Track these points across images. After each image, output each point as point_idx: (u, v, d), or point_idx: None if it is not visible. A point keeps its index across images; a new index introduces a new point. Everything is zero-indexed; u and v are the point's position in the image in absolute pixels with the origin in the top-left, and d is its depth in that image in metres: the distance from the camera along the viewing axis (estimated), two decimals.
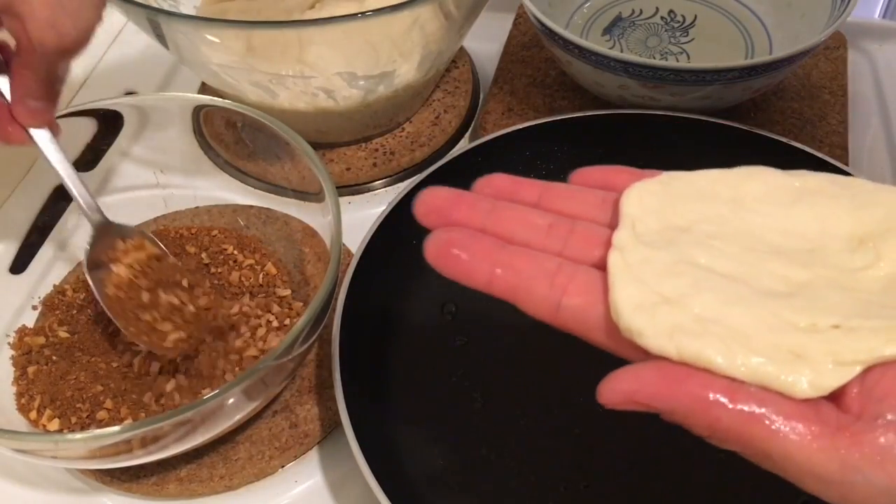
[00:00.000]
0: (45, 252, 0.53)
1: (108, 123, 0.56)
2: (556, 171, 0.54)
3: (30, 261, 0.53)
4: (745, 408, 0.22)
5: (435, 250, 0.28)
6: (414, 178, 0.50)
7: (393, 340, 0.48)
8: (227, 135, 0.59)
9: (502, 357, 0.47)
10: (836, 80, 0.62)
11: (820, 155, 0.50)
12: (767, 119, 0.59)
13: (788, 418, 0.22)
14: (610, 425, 0.43)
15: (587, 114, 0.54)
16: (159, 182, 0.57)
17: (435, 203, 0.29)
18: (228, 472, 0.44)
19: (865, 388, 0.22)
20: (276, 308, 0.49)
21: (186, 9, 0.61)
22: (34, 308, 0.51)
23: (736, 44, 0.63)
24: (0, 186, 0.54)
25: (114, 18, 0.74)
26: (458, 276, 0.28)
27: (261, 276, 0.51)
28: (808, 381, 0.22)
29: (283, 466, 0.45)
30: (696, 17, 0.65)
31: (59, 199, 0.56)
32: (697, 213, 0.28)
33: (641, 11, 0.66)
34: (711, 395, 0.23)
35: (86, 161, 0.58)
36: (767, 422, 0.22)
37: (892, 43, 0.68)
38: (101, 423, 0.44)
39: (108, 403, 0.44)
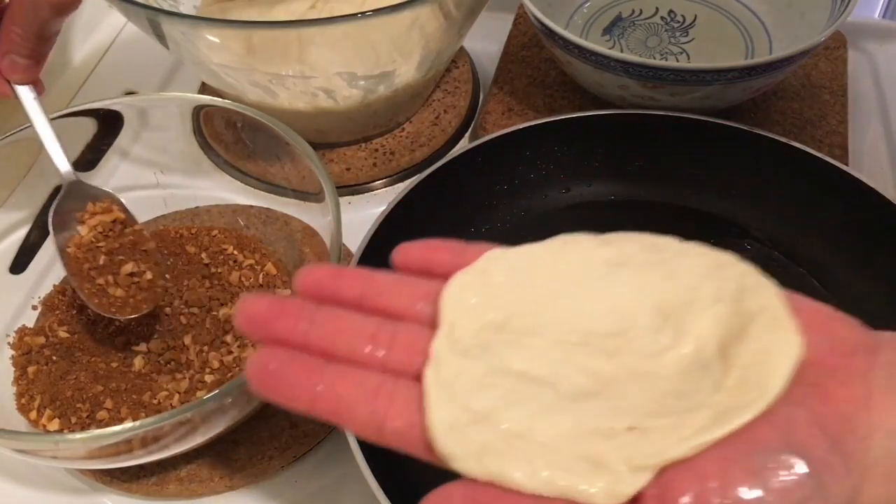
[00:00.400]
0: (45, 252, 0.53)
1: (108, 123, 0.56)
2: (556, 171, 0.54)
3: (30, 261, 0.53)
4: None
5: (255, 373, 0.26)
6: (414, 177, 0.50)
7: None
8: (227, 135, 0.59)
9: None
10: (836, 80, 0.62)
11: (820, 155, 0.50)
12: (767, 119, 0.59)
13: None
14: None
15: (587, 114, 0.54)
16: (159, 182, 0.57)
17: (256, 314, 0.27)
18: (229, 472, 0.44)
19: (661, 490, 0.22)
20: None
21: (186, 9, 0.61)
22: (34, 308, 0.51)
23: (736, 44, 0.63)
24: (0, 186, 0.54)
25: (114, 18, 0.74)
26: (279, 399, 0.26)
27: (261, 276, 0.51)
28: (606, 490, 0.22)
29: (283, 466, 0.45)
30: (696, 17, 0.65)
31: None
32: (513, 303, 0.28)
33: (641, 11, 0.66)
34: None
35: (86, 161, 0.58)
36: None
37: (892, 43, 0.68)
38: (101, 423, 0.44)
39: (108, 403, 0.44)
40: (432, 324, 0.28)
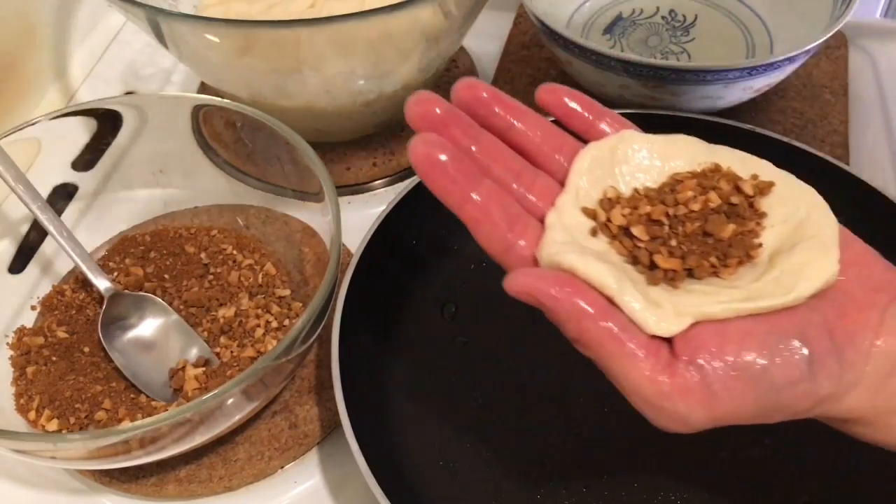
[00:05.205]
0: (44, 252, 0.53)
1: (108, 123, 0.56)
2: None
3: (28, 261, 0.53)
4: (610, 326, 0.27)
5: (425, 154, 0.29)
6: (414, 177, 0.50)
7: (393, 340, 0.48)
8: (227, 134, 0.58)
9: (502, 357, 0.47)
10: (837, 79, 0.62)
11: (821, 154, 0.50)
12: (768, 119, 0.59)
13: (636, 345, 0.27)
14: (612, 426, 0.43)
15: None
16: (159, 182, 0.57)
17: (431, 113, 0.30)
18: (228, 473, 0.44)
19: (689, 339, 0.28)
20: (275, 308, 0.48)
21: (186, 9, 0.61)
22: (33, 308, 0.51)
23: (737, 43, 0.63)
24: (0, 186, 0.54)
25: (114, 18, 0.74)
26: (437, 188, 0.29)
27: (260, 276, 0.51)
28: (656, 321, 0.28)
29: (282, 467, 0.45)
30: (696, 16, 0.65)
31: (59, 198, 0.56)
32: (631, 186, 0.33)
33: (642, 11, 0.66)
34: (590, 310, 0.27)
35: (85, 161, 0.58)
36: (621, 343, 0.27)
37: (893, 42, 0.68)
38: (100, 424, 0.44)
39: (107, 404, 0.44)
40: (563, 179, 0.32)
